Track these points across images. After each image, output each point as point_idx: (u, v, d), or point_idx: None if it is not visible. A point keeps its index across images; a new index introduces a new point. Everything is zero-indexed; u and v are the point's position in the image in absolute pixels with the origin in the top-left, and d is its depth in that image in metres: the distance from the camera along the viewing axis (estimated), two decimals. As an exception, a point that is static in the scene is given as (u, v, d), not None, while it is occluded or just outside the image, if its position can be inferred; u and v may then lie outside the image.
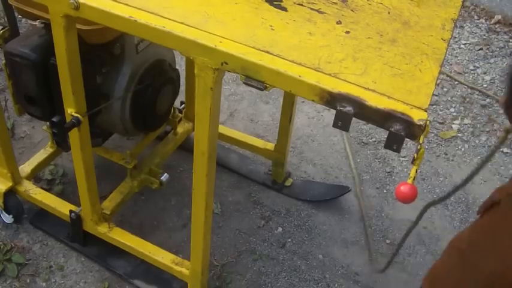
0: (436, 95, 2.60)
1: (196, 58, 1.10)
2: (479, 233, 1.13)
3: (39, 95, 1.55)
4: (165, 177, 1.82)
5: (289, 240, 1.96)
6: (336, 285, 1.86)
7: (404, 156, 2.30)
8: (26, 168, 1.88)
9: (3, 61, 1.57)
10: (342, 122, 1.00)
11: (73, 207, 1.74)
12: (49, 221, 1.87)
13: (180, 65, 1.96)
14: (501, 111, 2.57)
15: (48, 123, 1.75)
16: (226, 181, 2.12)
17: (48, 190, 1.92)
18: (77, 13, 1.18)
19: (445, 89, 2.66)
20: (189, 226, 1.89)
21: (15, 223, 1.89)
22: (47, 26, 1.47)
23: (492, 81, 2.73)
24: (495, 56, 2.87)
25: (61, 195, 1.96)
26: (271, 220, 2.02)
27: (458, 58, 2.85)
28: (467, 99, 2.61)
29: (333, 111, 1.00)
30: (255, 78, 1.06)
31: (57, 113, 1.50)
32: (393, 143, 0.98)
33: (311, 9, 1.19)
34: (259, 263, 1.88)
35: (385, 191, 2.17)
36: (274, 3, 1.19)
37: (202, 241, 1.49)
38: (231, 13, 1.15)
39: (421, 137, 0.95)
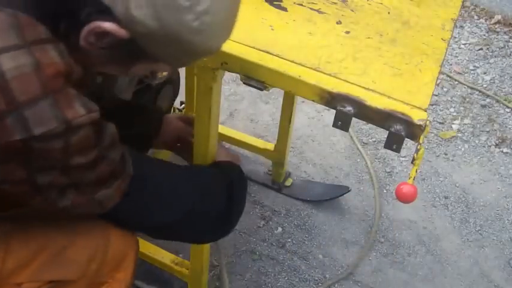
0: (436, 95, 2.60)
1: (196, 58, 1.10)
2: None
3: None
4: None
5: (289, 240, 1.96)
6: (336, 285, 1.86)
7: (404, 156, 2.30)
8: (26, 168, 1.88)
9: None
10: (341, 122, 1.00)
11: (73, 207, 1.74)
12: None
13: (180, 65, 1.96)
14: (501, 111, 2.57)
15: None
16: (226, 181, 2.12)
17: (48, 190, 1.92)
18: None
19: (445, 89, 2.66)
20: (189, 226, 1.90)
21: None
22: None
23: (492, 81, 2.73)
24: (495, 56, 2.87)
25: (61, 195, 1.95)
26: (271, 220, 2.02)
27: (458, 58, 2.85)
28: (467, 99, 2.61)
29: (333, 111, 1.00)
30: (255, 78, 1.06)
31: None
32: (393, 143, 0.98)
33: (311, 9, 1.19)
34: (259, 263, 1.88)
35: (385, 191, 2.17)
36: (274, 3, 1.19)
37: (202, 241, 1.49)
38: (231, 13, 1.15)
39: (421, 137, 0.95)
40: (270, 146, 2.04)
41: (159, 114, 1.37)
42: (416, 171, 0.98)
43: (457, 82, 2.70)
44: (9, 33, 0.75)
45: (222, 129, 2.08)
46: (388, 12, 1.21)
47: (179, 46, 0.83)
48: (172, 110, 1.90)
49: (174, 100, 1.84)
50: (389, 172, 2.25)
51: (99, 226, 1.07)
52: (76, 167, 0.85)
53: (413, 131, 0.96)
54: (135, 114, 1.35)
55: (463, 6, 1.30)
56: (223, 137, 2.09)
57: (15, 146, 0.76)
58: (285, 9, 1.18)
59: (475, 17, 3.12)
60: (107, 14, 0.77)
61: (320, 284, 1.85)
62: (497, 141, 2.42)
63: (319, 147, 2.32)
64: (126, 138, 1.19)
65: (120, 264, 1.10)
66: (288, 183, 2.12)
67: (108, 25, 0.78)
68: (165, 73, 1.02)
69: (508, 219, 2.13)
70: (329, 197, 2.09)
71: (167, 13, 0.78)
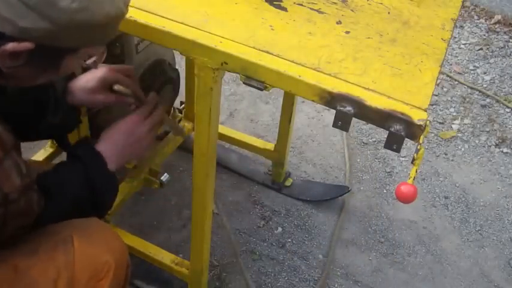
0: (436, 95, 2.61)
1: (196, 58, 1.10)
2: None
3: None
4: (165, 177, 1.82)
5: (289, 240, 1.96)
6: (336, 285, 1.86)
7: (404, 156, 2.30)
8: (26, 168, 1.87)
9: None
10: (341, 122, 1.00)
11: (73, 207, 1.74)
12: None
13: (180, 65, 1.96)
14: (501, 111, 2.57)
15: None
16: (226, 181, 2.12)
17: (48, 190, 1.92)
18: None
19: (445, 89, 2.66)
20: (189, 226, 1.90)
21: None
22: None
23: (492, 81, 2.73)
24: (495, 56, 2.87)
25: (61, 195, 1.95)
26: (271, 220, 2.02)
27: (458, 58, 2.85)
28: (467, 99, 2.61)
29: (333, 111, 1.00)
30: (255, 78, 1.06)
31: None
32: (393, 143, 0.98)
33: (311, 9, 1.19)
34: (259, 263, 1.88)
35: (385, 191, 2.17)
36: (274, 3, 1.19)
37: (202, 241, 1.49)
38: (231, 13, 1.15)
39: (421, 137, 0.95)
40: (270, 146, 2.04)
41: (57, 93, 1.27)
42: (416, 171, 0.98)
43: (457, 82, 2.70)
44: None
45: (222, 129, 2.08)
46: (388, 12, 1.21)
47: (80, 29, 0.89)
48: (172, 110, 1.90)
49: (174, 100, 1.84)
50: (389, 172, 2.25)
51: (61, 244, 1.09)
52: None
53: (413, 131, 0.96)
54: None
55: (463, 6, 1.30)
56: (223, 137, 2.09)
57: None
58: (285, 9, 1.18)
59: (475, 17, 3.12)
60: (2, 38, 0.86)
61: (320, 284, 1.85)
62: (497, 141, 2.42)
63: (319, 147, 2.32)
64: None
65: (99, 273, 1.10)
66: (288, 183, 2.12)
67: (9, 46, 0.87)
68: (97, 58, 1.04)
69: (508, 219, 2.13)
70: (329, 197, 2.09)
71: (47, 9, 0.84)
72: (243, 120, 2.40)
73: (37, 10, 0.84)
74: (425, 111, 0.97)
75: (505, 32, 3.03)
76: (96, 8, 0.89)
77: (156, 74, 1.67)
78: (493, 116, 2.54)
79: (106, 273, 1.10)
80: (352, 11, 1.20)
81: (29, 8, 0.84)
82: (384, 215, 2.09)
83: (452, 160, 2.33)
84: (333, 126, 1.01)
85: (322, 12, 1.18)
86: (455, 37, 2.96)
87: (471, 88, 2.67)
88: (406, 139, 0.97)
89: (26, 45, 0.87)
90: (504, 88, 2.69)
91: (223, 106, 2.39)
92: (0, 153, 0.91)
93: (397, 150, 0.99)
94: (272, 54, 1.06)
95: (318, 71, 1.03)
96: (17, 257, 1.05)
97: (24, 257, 1.06)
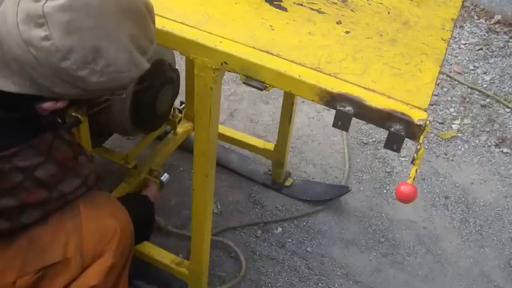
0: (436, 95, 2.61)
1: (196, 58, 1.10)
2: None
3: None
4: (165, 177, 1.82)
5: (289, 240, 1.96)
6: (336, 285, 1.86)
7: (404, 156, 2.30)
8: (26, 168, 1.87)
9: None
10: (341, 122, 1.00)
11: (73, 207, 1.74)
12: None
13: (180, 65, 1.96)
14: (501, 111, 2.57)
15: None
16: (226, 181, 2.12)
17: (48, 190, 1.92)
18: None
19: (445, 89, 2.66)
20: (189, 226, 1.90)
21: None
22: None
23: (492, 81, 2.73)
24: (495, 56, 2.87)
25: (61, 195, 1.95)
26: (271, 220, 2.02)
27: (458, 58, 2.85)
28: (467, 99, 2.61)
29: (333, 111, 1.00)
30: (255, 78, 1.06)
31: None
32: (393, 143, 0.98)
33: (311, 9, 1.19)
34: (259, 263, 1.88)
35: (385, 191, 2.17)
36: (274, 3, 1.19)
37: (202, 241, 1.49)
38: (231, 13, 1.16)
39: (421, 137, 0.95)
40: (270, 146, 2.04)
41: None
42: (416, 171, 0.98)
43: (457, 82, 2.70)
44: (36, 153, 1.06)
45: (222, 129, 2.08)
46: (388, 12, 1.21)
47: (107, 90, 1.01)
48: (172, 110, 1.90)
49: (174, 100, 1.84)
50: (389, 172, 2.25)
51: (69, 211, 1.16)
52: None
53: (413, 131, 0.96)
54: None
55: (463, 6, 1.31)
56: (223, 137, 2.09)
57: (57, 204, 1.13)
58: (285, 9, 1.18)
59: (475, 17, 3.12)
60: (41, 99, 1.00)
61: (320, 284, 1.85)
62: (497, 141, 2.42)
63: (319, 147, 2.32)
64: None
65: (106, 237, 1.16)
66: (288, 183, 2.12)
67: (46, 105, 1.02)
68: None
69: (508, 219, 2.13)
70: (329, 197, 2.09)
71: (80, 83, 0.95)
72: (243, 120, 2.40)
73: (71, 83, 0.95)
74: (425, 111, 0.97)
75: (505, 32, 3.03)
76: (123, 77, 0.98)
77: (156, 74, 1.67)
78: (493, 116, 2.54)
79: (112, 236, 1.17)
80: (352, 11, 1.20)
81: (63, 81, 0.94)
82: (383, 215, 2.09)
83: (452, 160, 2.33)
84: (333, 126, 1.01)
85: (322, 12, 1.18)
86: (455, 37, 2.96)
87: (471, 88, 2.67)
88: (406, 139, 0.97)
89: (61, 104, 1.02)
90: (504, 88, 2.69)
91: (223, 106, 2.39)
92: (72, 153, 1.12)
93: (397, 150, 0.99)
94: (272, 54, 1.06)
95: (318, 71, 1.03)
96: (31, 227, 1.13)
97: (37, 227, 1.13)
